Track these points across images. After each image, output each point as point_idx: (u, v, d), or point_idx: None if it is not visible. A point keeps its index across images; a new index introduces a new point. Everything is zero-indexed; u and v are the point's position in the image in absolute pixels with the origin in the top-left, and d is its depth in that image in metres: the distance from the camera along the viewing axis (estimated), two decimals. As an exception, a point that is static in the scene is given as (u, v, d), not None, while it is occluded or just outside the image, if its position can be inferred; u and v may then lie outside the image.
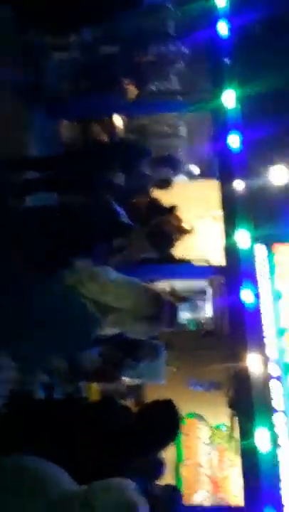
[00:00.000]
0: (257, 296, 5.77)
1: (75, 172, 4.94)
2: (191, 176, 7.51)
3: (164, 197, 6.16)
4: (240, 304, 5.64)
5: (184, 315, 6.94)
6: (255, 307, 5.70)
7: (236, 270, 5.82)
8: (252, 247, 6.03)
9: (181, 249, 6.28)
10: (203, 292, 7.25)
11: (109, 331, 4.01)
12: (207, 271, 6.38)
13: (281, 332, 6.00)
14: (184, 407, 6.37)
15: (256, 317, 5.68)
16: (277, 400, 5.55)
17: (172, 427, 3.43)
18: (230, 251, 5.99)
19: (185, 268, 6.20)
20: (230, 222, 6.07)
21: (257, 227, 6.42)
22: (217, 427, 5.90)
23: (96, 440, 2.96)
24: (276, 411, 5.50)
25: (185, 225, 6.03)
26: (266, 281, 6.27)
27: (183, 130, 7.52)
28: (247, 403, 5.21)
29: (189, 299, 6.82)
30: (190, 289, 7.04)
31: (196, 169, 7.38)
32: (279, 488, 4.92)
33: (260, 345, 5.55)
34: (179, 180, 6.92)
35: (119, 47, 6.79)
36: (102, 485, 2.16)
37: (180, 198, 6.24)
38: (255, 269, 5.99)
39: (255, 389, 5.23)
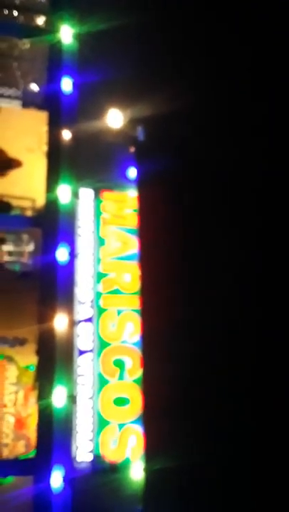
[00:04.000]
0: (72, 255, 5.87)
1: None
2: (27, 97, 7.08)
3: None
4: (54, 262, 5.70)
5: (7, 247, 6.76)
6: (69, 266, 5.81)
7: (54, 226, 5.85)
8: (72, 202, 6.07)
9: (4, 183, 6.03)
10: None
11: None
12: (24, 222, 6.25)
13: (100, 277, 6.14)
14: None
15: (69, 278, 5.78)
16: (85, 341, 5.75)
17: None
18: (51, 204, 5.97)
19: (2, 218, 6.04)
20: (54, 174, 6.02)
21: (86, 173, 6.43)
22: (26, 367, 5.95)
23: None
24: (83, 352, 5.72)
25: (10, 157, 5.79)
26: (90, 226, 6.32)
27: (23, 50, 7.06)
28: (48, 364, 5.34)
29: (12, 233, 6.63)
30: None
31: (35, 87, 6.97)
32: (70, 446, 5.20)
33: (69, 308, 5.68)
34: (9, 105, 6.58)
35: None
36: None
37: (8, 125, 5.93)
38: (73, 228, 6.06)
39: (59, 350, 5.38)
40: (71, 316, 5.70)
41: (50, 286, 5.76)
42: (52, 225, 6.02)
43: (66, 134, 6.38)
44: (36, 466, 5.15)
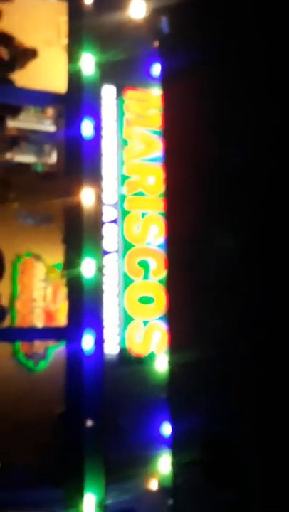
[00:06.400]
0: (97, 129, 5.65)
1: None
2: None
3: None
4: (79, 137, 5.50)
5: (29, 158, 6.64)
6: (94, 141, 5.63)
7: (78, 99, 5.58)
8: (96, 74, 5.72)
9: (22, 77, 5.77)
10: (51, 136, 6.88)
11: None
12: (46, 97, 5.96)
13: (123, 179, 6.08)
14: (22, 246, 6.47)
15: (95, 152, 5.63)
16: (110, 242, 5.82)
17: None
18: (74, 79, 5.66)
19: (22, 92, 5.76)
20: (76, 44, 5.64)
21: (107, 70, 6.08)
22: (53, 266, 6.11)
23: None
24: (108, 252, 5.80)
25: (27, 47, 5.51)
26: (113, 126, 6.13)
27: None
28: (76, 236, 5.39)
29: (34, 142, 6.45)
30: (36, 130, 6.64)
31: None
32: (99, 313, 5.41)
33: (96, 183, 5.58)
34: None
35: None
36: None
37: (25, 17, 5.57)
38: (97, 101, 5.77)
39: (87, 225, 5.40)
40: (98, 191, 5.62)
41: (76, 162, 5.61)
42: (75, 99, 5.72)
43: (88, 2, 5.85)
44: (68, 331, 5.39)
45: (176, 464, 5.41)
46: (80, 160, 5.52)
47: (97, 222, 5.57)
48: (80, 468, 4.81)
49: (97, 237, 5.55)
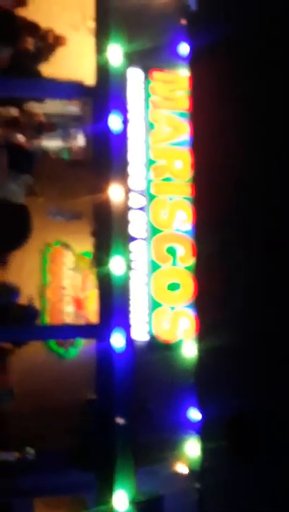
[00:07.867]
0: (125, 123, 5.58)
1: None
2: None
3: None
4: (107, 130, 5.46)
5: (56, 143, 6.62)
6: (122, 135, 5.56)
7: (106, 92, 5.49)
8: (124, 65, 5.61)
9: (50, 66, 5.71)
10: (77, 119, 6.83)
11: None
12: (74, 90, 5.89)
13: (150, 163, 6.00)
14: (51, 236, 6.54)
15: (122, 146, 5.57)
16: (137, 229, 5.80)
17: None
18: (102, 70, 5.57)
19: (48, 85, 5.70)
20: (103, 35, 5.52)
21: (133, 51, 5.92)
22: (82, 254, 6.17)
23: None
24: (135, 239, 5.81)
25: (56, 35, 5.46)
26: (139, 109, 6.02)
27: None
28: (106, 233, 5.41)
29: (60, 126, 6.41)
30: (62, 114, 6.59)
31: None
32: (129, 311, 5.47)
33: (123, 176, 5.58)
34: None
35: None
36: None
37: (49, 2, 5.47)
38: (125, 92, 5.68)
39: (115, 219, 5.39)
40: (126, 185, 5.60)
41: (104, 156, 5.58)
42: (103, 92, 5.65)
43: None
44: (98, 329, 5.49)
45: (203, 448, 5.49)
46: (108, 154, 5.49)
47: (126, 218, 5.56)
48: (111, 457, 4.93)
49: (127, 233, 5.56)
